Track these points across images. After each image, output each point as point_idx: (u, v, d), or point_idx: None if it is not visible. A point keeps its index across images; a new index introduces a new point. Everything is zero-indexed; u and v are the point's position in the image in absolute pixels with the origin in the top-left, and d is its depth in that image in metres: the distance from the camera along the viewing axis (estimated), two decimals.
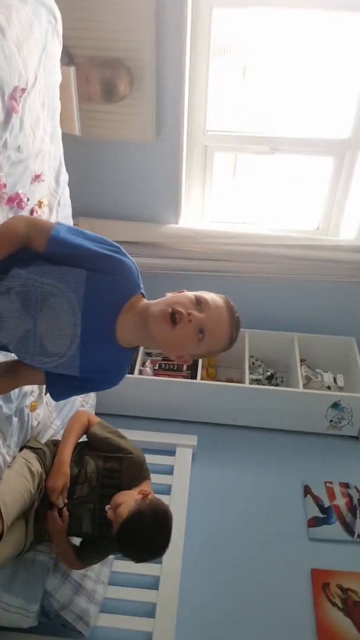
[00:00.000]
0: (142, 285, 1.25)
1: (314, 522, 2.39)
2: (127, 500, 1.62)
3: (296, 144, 2.69)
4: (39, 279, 1.18)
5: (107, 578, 2.03)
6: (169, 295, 1.22)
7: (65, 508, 1.72)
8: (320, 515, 2.42)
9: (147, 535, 1.58)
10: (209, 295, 1.22)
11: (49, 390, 1.36)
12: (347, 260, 2.66)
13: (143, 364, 2.88)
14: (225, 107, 2.69)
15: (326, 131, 2.66)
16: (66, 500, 1.71)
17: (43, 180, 1.83)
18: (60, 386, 1.33)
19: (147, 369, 2.85)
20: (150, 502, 1.64)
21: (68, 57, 2.25)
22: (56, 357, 1.22)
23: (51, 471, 1.74)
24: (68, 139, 2.10)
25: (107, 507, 1.66)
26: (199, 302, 1.17)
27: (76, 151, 2.26)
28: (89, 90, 2.37)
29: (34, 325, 1.20)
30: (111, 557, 2.06)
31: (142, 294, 1.24)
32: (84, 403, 2.33)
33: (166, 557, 2.05)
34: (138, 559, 1.69)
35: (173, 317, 1.14)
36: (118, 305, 1.20)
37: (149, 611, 1.98)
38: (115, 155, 2.62)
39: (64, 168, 2.07)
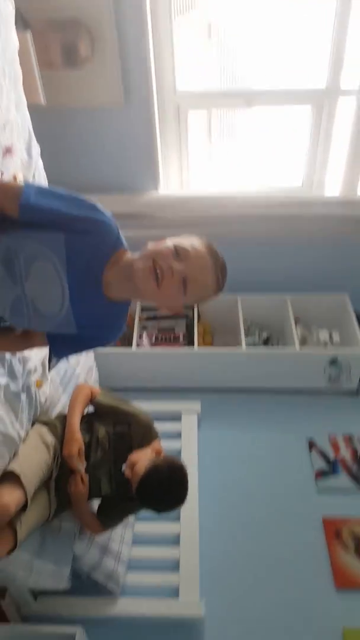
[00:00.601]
0: (123, 240, 1.30)
1: (321, 475, 2.66)
2: (142, 458, 1.90)
3: (272, 96, 2.78)
4: (21, 244, 1.25)
5: (131, 539, 2.29)
6: (150, 245, 1.26)
7: (84, 472, 1.94)
8: (327, 467, 2.68)
9: (166, 486, 1.85)
10: (189, 242, 1.24)
11: (51, 348, 1.48)
12: (334, 215, 2.86)
13: (140, 337, 3.05)
14: (194, 66, 2.73)
15: (302, 81, 2.74)
16: (84, 463, 1.93)
17: (15, 154, 1.89)
18: (61, 344, 1.43)
19: (145, 341, 3.03)
20: (164, 457, 1.93)
21: (23, 22, 2.29)
22: (50, 317, 1.31)
23: (64, 440, 1.96)
24: (35, 111, 2.16)
25: (124, 466, 1.90)
26: (178, 252, 1.20)
27: (44, 123, 2.30)
28: (49, 56, 2.42)
29: (23, 291, 1.28)
30: (132, 519, 2.29)
31: (124, 249, 1.30)
32: (87, 379, 2.52)
33: (183, 514, 2.33)
34: (160, 510, 1.94)
35: (156, 274, 1.19)
36: (101, 263, 1.27)
37: (173, 566, 2.25)
38: (86, 124, 2.69)
39: (34, 140, 2.13)
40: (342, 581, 2.28)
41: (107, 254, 1.27)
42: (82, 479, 1.91)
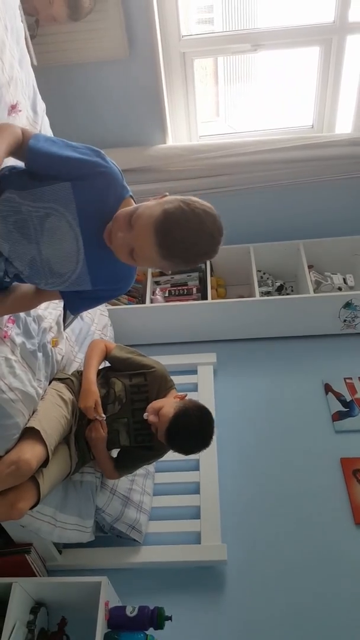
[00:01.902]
0: (129, 188, 1.24)
1: (338, 416, 2.52)
2: (167, 403, 1.77)
3: (278, 36, 2.52)
4: (33, 204, 1.19)
5: (152, 489, 2.19)
6: (150, 200, 1.19)
7: (103, 419, 1.83)
8: (343, 409, 2.54)
9: (196, 426, 1.74)
10: (145, 211, 1.13)
11: (66, 304, 1.41)
12: (346, 155, 2.59)
13: (153, 293, 2.92)
14: (198, 14, 2.55)
15: (309, 19, 2.50)
16: (103, 415, 1.81)
17: (20, 111, 1.77)
18: (75, 300, 1.39)
19: (158, 296, 2.90)
20: (190, 400, 1.80)
21: None
22: (66, 276, 1.27)
23: (80, 394, 1.84)
24: (39, 68, 2.02)
25: (145, 414, 1.77)
26: (130, 222, 1.14)
27: (49, 80, 2.19)
28: (52, 11, 2.25)
29: (39, 252, 1.23)
30: (152, 470, 2.21)
31: (132, 197, 1.25)
32: (103, 336, 2.40)
33: (203, 462, 2.22)
34: (189, 451, 1.81)
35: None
36: (111, 211, 1.21)
37: (195, 513, 2.14)
38: (91, 78, 2.51)
39: (39, 96, 2.00)
40: None
41: (116, 201, 1.21)
42: (101, 425, 1.81)
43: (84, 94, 2.56)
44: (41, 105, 2.01)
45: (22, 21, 1.90)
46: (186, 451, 1.81)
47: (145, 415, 1.77)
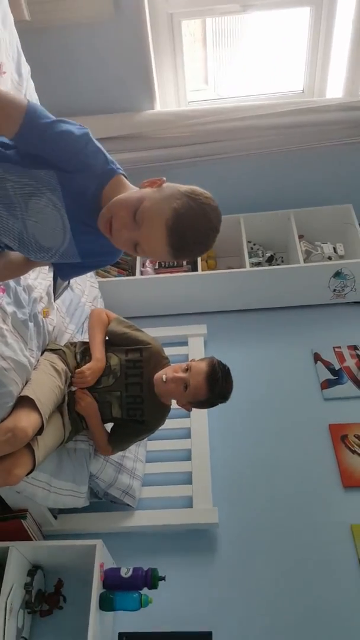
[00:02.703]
0: (115, 167, 1.18)
1: (326, 384, 2.55)
2: (191, 364, 1.83)
3: None
4: (18, 179, 1.15)
5: (144, 457, 2.23)
6: (144, 184, 1.16)
7: (85, 390, 1.85)
8: (332, 377, 2.57)
9: (229, 373, 1.85)
10: (152, 207, 1.10)
11: (55, 271, 1.40)
12: (337, 121, 2.56)
13: (143, 265, 2.89)
14: None
15: None
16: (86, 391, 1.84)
17: (4, 72, 1.73)
18: (65, 267, 1.38)
19: (148, 268, 2.88)
20: (215, 360, 1.86)
21: None
22: (54, 250, 1.25)
23: (92, 364, 1.85)
24: (21, 30, 1.95)
25: (164, 376, 1.82)
26: (136, 216, 1.10)
27: (32, 42, 2.09)
28: None
29: (25, 227, 1.21)
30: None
31: (122, 175, 1.20)
32: (93, 307, 2.39)
33: (194, 430, 2.26)
34: (228, 395, 1.87)
35: (110, 227, 1.12)
36: (97, 195, 1.18)
37: (186, 479, 2.18)
38: (75, 41, 2.42)
39: (23, 58, 1.94)
40: (349, 480, 2.21)
41: (100, 186, 1.17)
42: (84, 393, 1.83)
43: (68, 57, 2.47)
44: (26, 68, 1.95)
45: None
46: (226, 396, 1.86)
47: (163, 377, 1.80)
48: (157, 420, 1.93)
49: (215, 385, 1.80)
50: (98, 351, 1.89)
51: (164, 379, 1.81)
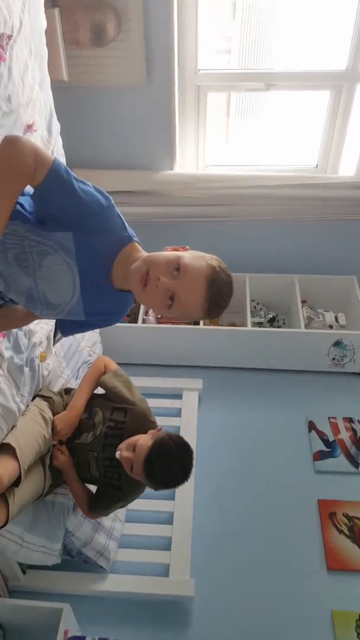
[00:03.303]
0: (131, 234, 1.21)
1: (319, 456, 2.47)
2: (143, 437, 1.67)
3: (292, 78, 2.57)
4: (35, 238, 1.16)
5: (124, 516, 2.12)
6: (167, 249, 1.19)
7: (63, 445, 1.77)
8: (325, 449, 2.49)
9: (176, 455, 1.64)
10: (192, 262, 1.13)
11: (59, 326, 1.40)
12: (347, 198, 2.60)
13: (146, 313, 2.88)
14: (216, 45, 2.58)
15: (322, 64, 2.53)
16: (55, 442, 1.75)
17: (35, 131, 1.79)
18: (68, 324, 1.37)
19: (151, 317, 2.86)
20: (165, 432, 1.71)
21: (51, 0, 2.15)
22: (60, 308, 1.25)
23: (64, 414, 1.78)
24: (57, 87, 2.03)
25: (117, 453, 1.66)
26: (177, 268, 1.12)
27: (66, 99, 2.19)
28: (77, 36, 2.29)
29: (35, 284, 1.22)
30: None
31: (136, 242, 1.21)
32: (92, 353, 2.35)
33: (178, 493, 2.16)
34: (167, 486, 1.73)
35: (145, 281, 1.12)
36: (110, 259, 1.19)
37: (165, 544, 2.07)
38: (106, 102, 2.52)
39: (55, 117, 2.01)
40: (334, 563, 2.09)
41: (115, 251, 1.19)
42: (61, 451, 1.74)
43: (98, 116, 2.58)
44: (56, 126, 2.02)
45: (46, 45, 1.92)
46: (165, 483, 1.70)
47: (117, 453, 1.66)
48: (134, 488, 1.79)
49: (154, 468, 1.62)
50: (77, 400, 1.81)
51: (117, 456, 1.67)
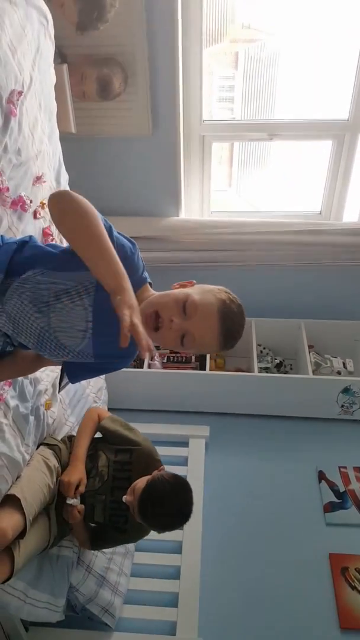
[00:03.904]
0: (146, 276, 1.26)
1: (330, 507, 2.45)
2: (142, 479, 1.71)
3: (294, 128, 2.70)
4: (53, 280, 1.20)
5: (130, 570, 2.10)
6: (175, 286, 1.24)
7: (78, 502, 1.76)
8: (336, 500, 2.47)
9: (170, 495, 1.65)
10: (202, 298, 1.18)
11: (67, 373, 1.40)
12: (351, 244, 2.68)
13: (152, 358, 2.92)
14: (220, 94, 2.71)
15: (324, 113, 2.65)
16: (77, 498, 1.75)
17: (44, 182, 1.86)
18: (76, 369, 1.38)
19: (156, 362, 2.90)
20: (165, 472, 1.73)
21: (61, 57, 2.29)
22: (70, 348, 1.27)
23: (68, 468, 1.79)
24: (64, 138, 2.12)
25: (124, 497, 1.70)
26: (186, 308, 1.16)
27: (74, 150, 2.28)
28: (84, 88, 2.42)
29: (48, 323, 1.23)
30: (132, 548, 2.13)
31: (149, 283, 1.27)
32: (97, 399, 2.38)
33: (185, 545, 2.14)
34: (163, 528, 1.73)
35: (156, 323, 1.16)
36: None
37: (172, 601, 2.04)
38: (114, 152, 2.64)
39: (63, 168, 2.10)
40: (347, 621, 2.05)
41: (134, 287, 1.19)
42: (78, 511, 1.74)
43: (106, 166, 2.70)
44: (65, 177, 2.11)
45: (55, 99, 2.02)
46: (161, 524, 1.71)
47: (124, 498, 1.70)
48: (139, 532, 1.82)
49: (147, 510, 1.64)
50: (78, 450, 1.83)
51: (124, 499, 1.70)
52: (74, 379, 1.46)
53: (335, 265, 2.77)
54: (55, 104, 2.01)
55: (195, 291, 1.21)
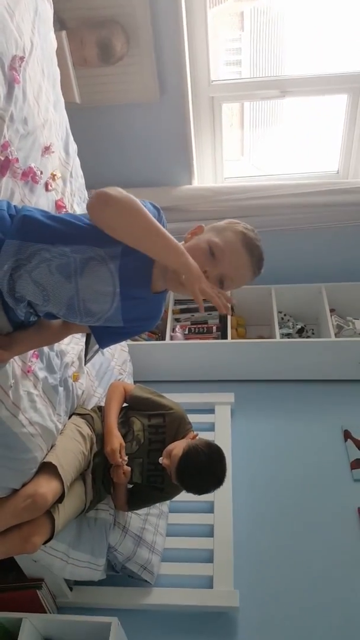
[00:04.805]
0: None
1: (356, 464, 2.53)
2: (178, 445, 1.86)
3: (307, 83, 2.64)
4: (78, 248, 1.25)
5: (165, 530, 2.24)
6: (187, 237, 1.30)
7: (126, 466, 1.90)
8: None
9: (206, 464, 1.81)
10: (223, 239, 1.25)
11: (95, 339, 1.46)
12: None
13: (173, 330, 3.00)
14: (226, 58, 2.67)
15: (337, 67, 2.59)
16: (126, 458, 1.88)
17: (53, 152, 1.85)
18: (104, 334, 1.44)
19: (178, 334, 2.98)
20: (199, 439, 1.89)
21: (60, 23, 2.24)
22: (100, 314, 1.31)
23: (104, 437, 1.92)
24: (70, 108, 2.10)
25: (160, 459, 1.86)
26: (212, 253, 1.23)
27: (80, 120, 2.25)
28: (84, 53, 2.35)
29: (77, 291, 1.29)
30: (166, 510, 2.26)
31: None
32: (122, 371, 2.48)
33: (217, 505, 2.27)
34: (200, 491, 1.87)
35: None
36: (151, 261, 1.26)
37: (207, 557, 2.18)
38: (121, 120, 2.64)
39: (71, 137, 2.09)
40: None
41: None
42: (124, 472, 1.87)
43: (114, 135, 2.70)
44: (73, 147, 2.10)
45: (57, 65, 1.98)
46: (198, 489, 1.87)
47: (160, 459, 1.86)
48: (175, 489, 1.98)
49: (185, 476, 1.81)
50: (108, 421, 1.95)
51: (160, 461, 1.86)
52: (103, 344, 1.51)
53: (356, 225, 2.78)
54: (59, 70, 1.96)
55: (212, 234, 1.27)
